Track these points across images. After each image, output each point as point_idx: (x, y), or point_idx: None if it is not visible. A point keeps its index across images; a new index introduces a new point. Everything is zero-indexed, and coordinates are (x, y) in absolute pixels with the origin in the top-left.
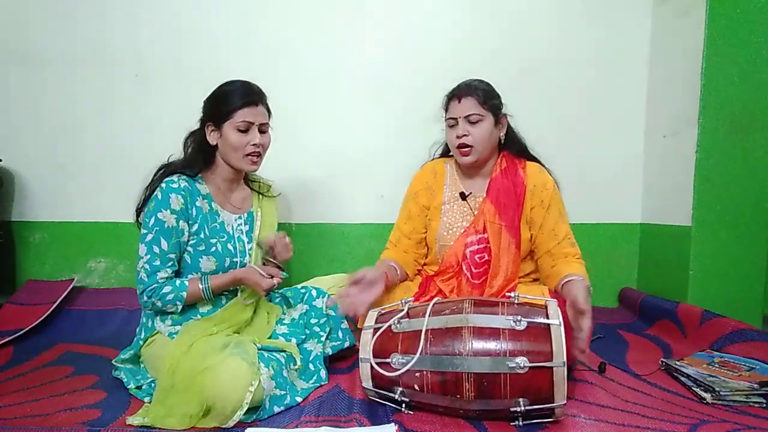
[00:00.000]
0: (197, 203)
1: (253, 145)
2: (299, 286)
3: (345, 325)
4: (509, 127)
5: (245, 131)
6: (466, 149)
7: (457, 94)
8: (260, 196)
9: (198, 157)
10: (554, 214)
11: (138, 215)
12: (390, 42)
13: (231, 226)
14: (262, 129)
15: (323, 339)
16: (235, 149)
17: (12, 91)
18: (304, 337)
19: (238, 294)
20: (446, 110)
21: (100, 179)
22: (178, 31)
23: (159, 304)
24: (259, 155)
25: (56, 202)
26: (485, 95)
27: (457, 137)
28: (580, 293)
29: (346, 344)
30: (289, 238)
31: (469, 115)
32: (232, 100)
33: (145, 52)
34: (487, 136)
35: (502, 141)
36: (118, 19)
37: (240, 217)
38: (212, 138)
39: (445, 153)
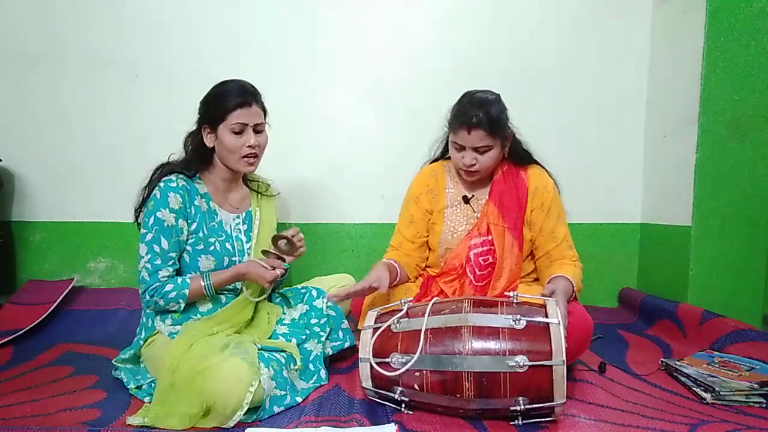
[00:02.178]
0: (195, 202)
1: (249, 146)
2: (299, 286)
3: (345, 325)
4: (514, 139)
5: (240, 133)
6: (473, 172)
7: (466, 125)
8: (259, 196)
9: (195, 157)
10: (554, 217)
11: (137, 215)
12: (390, 42)
13: (229, 226)
14: (258, 129)
15: (323, 339)
16: (231, 151)
17: (12, 92)
18: (304, 337)
19: (244, 290)
20: (452, 131)
21: (100, 179)
22: (177, 31)
23: (161, 302)
24: (256, 156)
25: (56, 202)
26: (493, 126)
27: (464, 164)
28: (558, 289)
29: (347, 344)
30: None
31: (477, 147)
32: (225, 103)
33: (144, 52)
34: (493, 162)
35: (506, 156)
36: (118, 19)
37: (238, 217)
38: (209, 141)
39: (445, 153)
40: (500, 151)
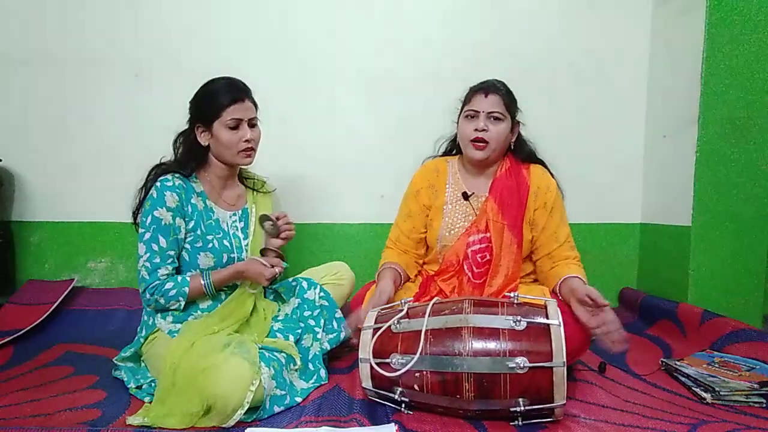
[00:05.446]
0: (192, 200)
1: (245, 141)
2: (290, 279)
3: (339, 314)
4: (519, 134)
5: (236, 128)
6: (482, 144)
7: (484, 89)
8: (255, 193)
9: (190, 157)
10: (556, 217)
11: (135, 216)
12: (390, 41)
13: (226, 223)
14: (252, 123)
15: (319, 333)
16: (228, 147)
17: (12, 91)
18: (299, 331)
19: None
20: (467, 102)
21: (100, 179)
22: (178, 31)
23: (162, 301)
24: (252, 149)
25: (56, 202)
26: (509, 98)
27: (476, 130)
28: (591, 289)
29: (342, 335)
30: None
31: (492, 112)
32: (218, 99)
33: (144, 52)
34: (503, 137)
35: (512, 148)
36: (118, 19)
37: (234, 214)
38: (203, 139)
39: (449, 151)
40: (508, 133)
